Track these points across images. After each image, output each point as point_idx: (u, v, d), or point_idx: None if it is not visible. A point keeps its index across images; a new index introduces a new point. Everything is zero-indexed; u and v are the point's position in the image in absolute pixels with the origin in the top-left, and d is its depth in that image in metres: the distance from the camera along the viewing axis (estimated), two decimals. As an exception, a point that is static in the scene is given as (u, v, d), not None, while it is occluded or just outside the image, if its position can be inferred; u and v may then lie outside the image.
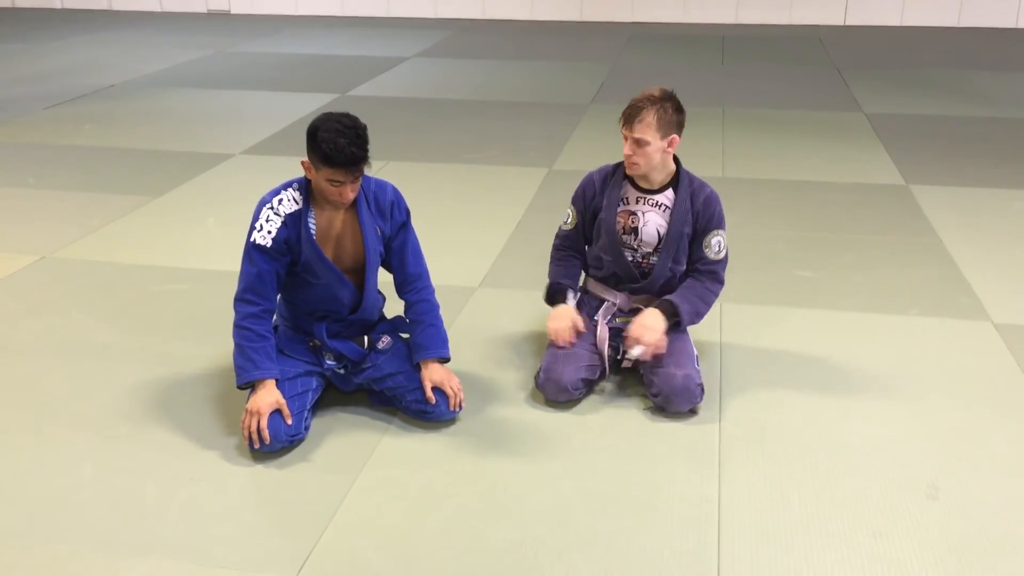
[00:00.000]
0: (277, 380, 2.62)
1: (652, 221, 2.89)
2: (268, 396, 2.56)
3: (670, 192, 2.90)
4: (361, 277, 2.73)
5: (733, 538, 2.27)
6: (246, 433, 2.54)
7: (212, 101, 6.94)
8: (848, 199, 4.73)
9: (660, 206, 2.89)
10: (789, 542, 2.26)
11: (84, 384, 2.98)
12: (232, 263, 2.71)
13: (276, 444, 2.56)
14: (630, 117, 2.75)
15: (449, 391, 2.69)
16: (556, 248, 3.09)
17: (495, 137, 5.94)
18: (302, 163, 2.57)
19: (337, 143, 2.44)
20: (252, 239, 2.60)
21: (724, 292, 3.60)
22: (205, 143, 5.77)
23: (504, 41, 9.43)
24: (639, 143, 2.76)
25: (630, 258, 2.93)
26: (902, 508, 2.38)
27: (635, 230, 2.90)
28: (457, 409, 2.71)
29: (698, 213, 2.88)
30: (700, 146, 5.69)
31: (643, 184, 2.89)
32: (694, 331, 3.11)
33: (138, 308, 3.53)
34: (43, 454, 2.62)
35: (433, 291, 2.82)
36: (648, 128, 2.74)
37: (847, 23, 10.30)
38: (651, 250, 2.92)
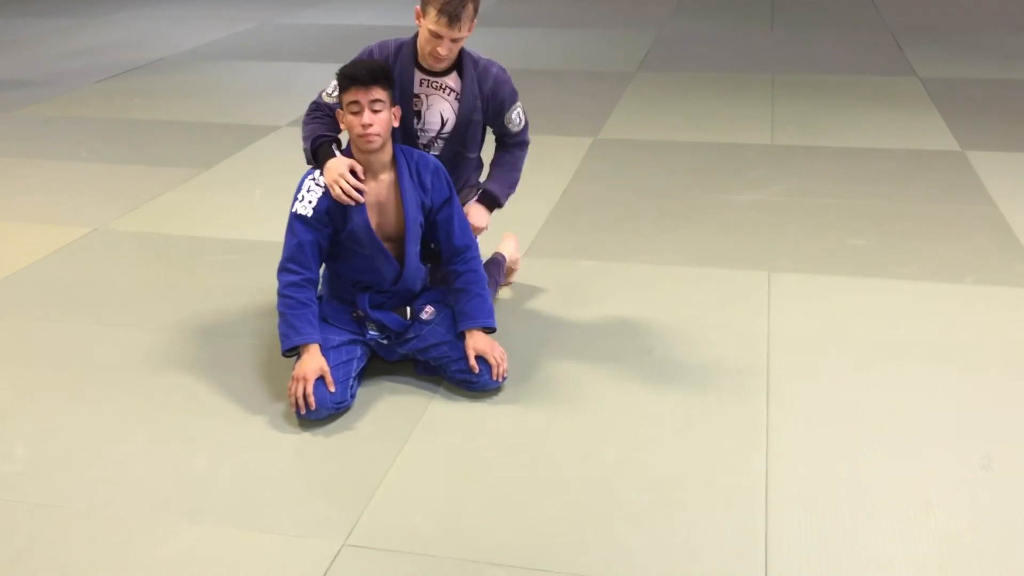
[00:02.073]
0: (321, 346, 2.64)
1: (435, 105, 2.82)
2: (312, 362, 2.59)
3: (455, 76, 2.81)
4: (403, 247, 2.74)
5: (781, 510, 2.25)
6: (293, 400, 2.57)
7: (260, 73, 6.98)
8: (901, 166, 4.63)
9: (446, 89, 2.81)
10: (838, 514, 2.23)
11: (136, 354, 3.03)
12: (280, 234, 2.73)
13: (322, 411, 2.58)
14: (454, 18, 2.62)
15: (492, 360, 2.69)
16: (311, 114, 2.83)
17: (539, 106, 5.88)
18: (336, 113, 2.68)
19: (355, 63, 2.61)
20: (294, 209, 2.64)
21: (773, 261, 3.58)
22: (253, 115, 5.81)
23: (548, 9, 9.34)
24: (457, 41, 2.70)
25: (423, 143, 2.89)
26: (955, 479, 2.34)
27: (417, 114, 2.82)
28: (501, 379, 2.72)
29: (488, 98, 2.85)
30: (749, 112, 5.61)
31: (427, 66, 2.79)
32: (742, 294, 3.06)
33: (188, 279, 3.57)
34: (97, 422, 2.67)
35: (481, 262, 2.82)
36: (468, 22, 2.67)
37: (902, -15, 10.02)
38: (433, 135, 2.85)
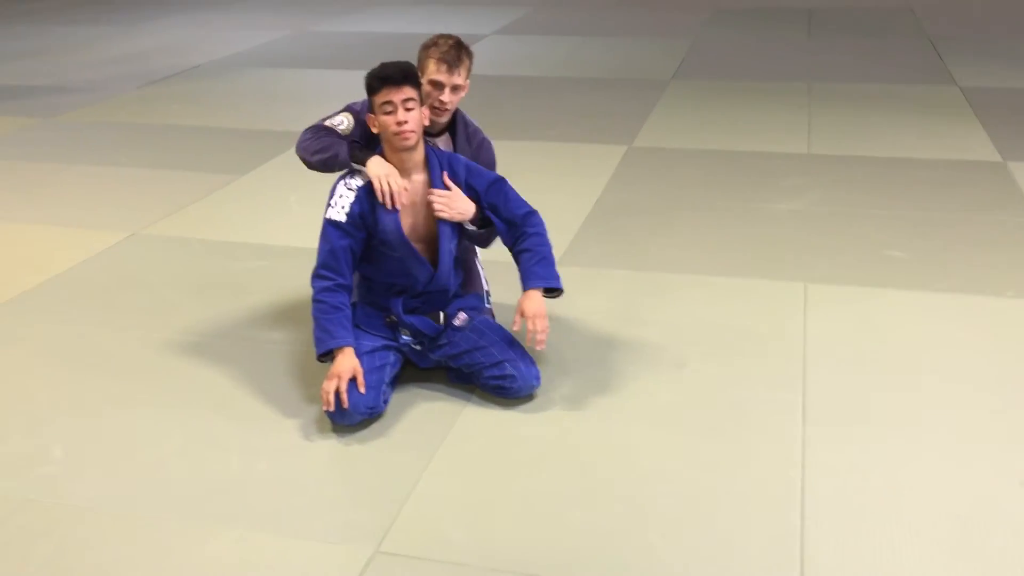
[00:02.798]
0: (355, 349, 2.64)
1: None
2: (346, 362, 2.60)
3: (447, 138, 2.89)
4: (436, 247, 2.75)
5: (816, 522, 2.22)
6: (326, 398, 2.58)
7: (295, 80, 7.04)
8: (941, 176, 4.57)
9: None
10: (874, 527, 2.20)
11: (171, 357, 3.06)
12: (314, 240, 2.75)
13: (355, 416, 2.59)
14: (453, 63, 2.74)
15: (532, 326, 2.66)
16: (320, 130, 2.76)
17: (574, 114, 5.90)
18: (367, 118, 2.67)
19: (384, 65, 2.61)
20: (327, 215, 2.67)
21: (809, 271, 3.54)
22: (288, 122, 5.85)
23: (583, 17, 9.34)
24: (457, 89, 2.78)
25: None
26: (994, 496, 2.30)
27: None
28: (538, 347, 2.69)
29: (472, 157, 2.88)
30: (785, 121, 5.56)
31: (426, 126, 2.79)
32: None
33: (224, 284, 3.60)
34: (133, 425, 2.70)
35: (546, 229, 2.81)
36: (465, 71, 2.78)
37: (941, -7, 9.91)
38: None
